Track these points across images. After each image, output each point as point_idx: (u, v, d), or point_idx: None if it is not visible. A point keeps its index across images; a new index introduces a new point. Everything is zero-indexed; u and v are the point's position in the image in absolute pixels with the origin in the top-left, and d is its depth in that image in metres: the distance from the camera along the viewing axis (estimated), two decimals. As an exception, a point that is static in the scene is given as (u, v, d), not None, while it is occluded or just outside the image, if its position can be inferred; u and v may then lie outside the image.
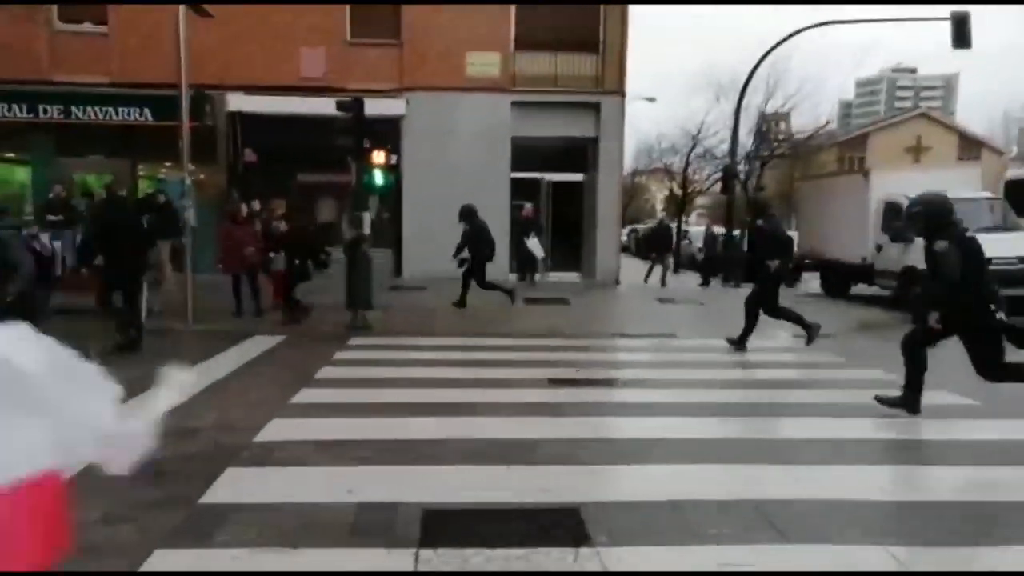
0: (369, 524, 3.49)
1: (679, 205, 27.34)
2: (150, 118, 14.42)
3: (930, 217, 5.32)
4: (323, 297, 10.69)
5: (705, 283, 17.16)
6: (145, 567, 3.06)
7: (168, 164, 15.15)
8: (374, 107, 14.69)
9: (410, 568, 3.05)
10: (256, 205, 11.81)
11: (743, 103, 18.26)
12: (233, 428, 5.06)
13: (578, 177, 16.18)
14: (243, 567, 3.07)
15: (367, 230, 10.26)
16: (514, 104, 15.11)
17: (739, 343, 8.46)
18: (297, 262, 9.92)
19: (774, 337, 9.22)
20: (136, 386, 1.80)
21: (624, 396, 6.64)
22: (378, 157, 9.59)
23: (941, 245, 5.07)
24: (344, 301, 10.88)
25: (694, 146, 24.81)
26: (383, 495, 3.81)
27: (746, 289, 10.96)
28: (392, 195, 15.21)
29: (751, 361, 8.29)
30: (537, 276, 15.52)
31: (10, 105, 14.24)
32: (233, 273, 10.48)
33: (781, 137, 27.81)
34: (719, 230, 19.97)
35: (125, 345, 7.61)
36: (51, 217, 14.39)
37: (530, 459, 4.46)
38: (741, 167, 22.21)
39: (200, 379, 6.50)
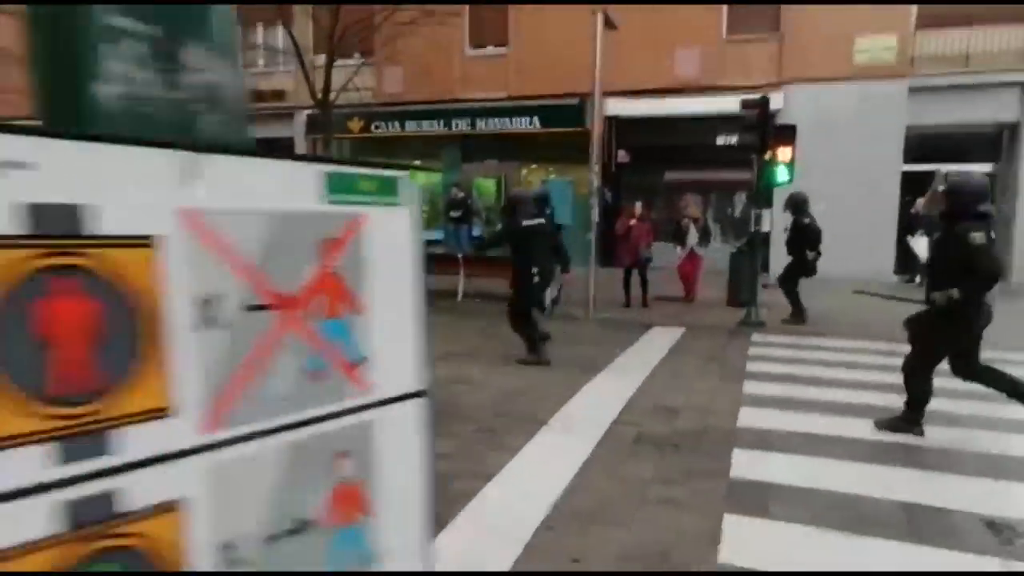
0: (922, 524, 3.42)
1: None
2: (538, 126, 16.05)
3: None
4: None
5: None
6: (724, 529, 3.37)
7: (550, 167, 16.81)
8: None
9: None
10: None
11: None
12: (709, 411, 5.37)
13: (986, 168, 14.04)
14: (812, 544, 3.22)
15: (765, 227, 10.11)
16: (912, 90, 13.65)
17: None
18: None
19: None
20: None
21: None
22: (784, 154, 9.40)
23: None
24: (725, 297, 11.09)
25: None
26: (918, 497, 3.72)
27: None
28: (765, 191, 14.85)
29: None
30: (918, 278, 13.84)
31: (431, 121, 17.00)
32: (627, 267, 11.20)
33: None
34: None
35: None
36: (452, 214, 16.90)
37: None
38: None
39: (641, 363, 7.13)
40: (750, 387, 6.19)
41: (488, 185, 17.54)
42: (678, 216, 11.85)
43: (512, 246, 7.14)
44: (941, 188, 4.90)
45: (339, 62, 17.86)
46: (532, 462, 4.34)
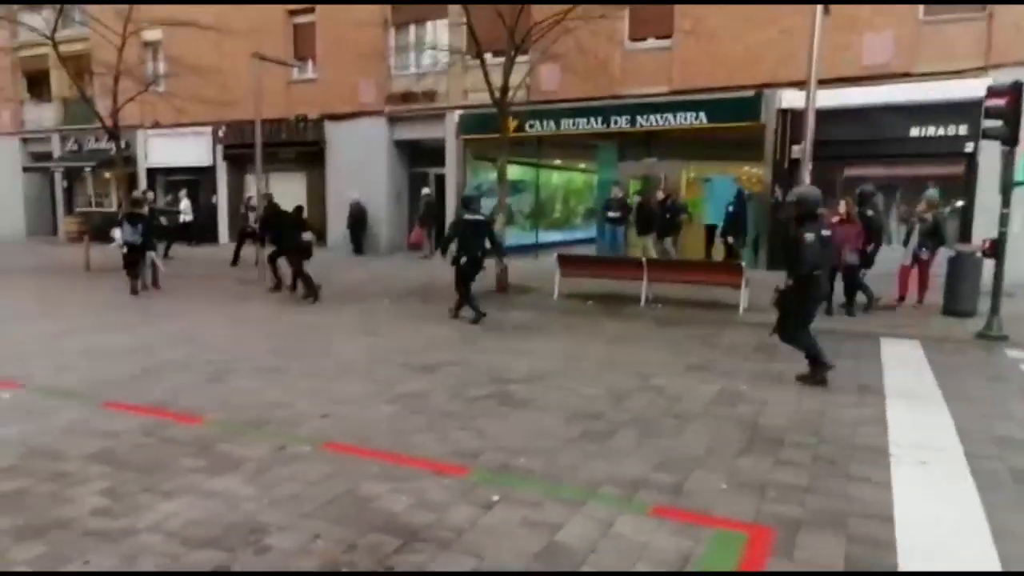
0: None
1: None
2: (705, 121, 15.32)
3: None
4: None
5: None
6: None
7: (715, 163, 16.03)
8: (944, 90, 13.34)
9: None
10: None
11: None
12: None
13: None
14: None
15: (1016, 227, 9.08)
16: None
17: None
18: None
19: None
20: None
21: None
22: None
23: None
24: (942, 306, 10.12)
25: None
26: None
27: None
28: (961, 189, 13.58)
29: None
30: None
31: (588, 119, 16.58)
32: (833, 269, 10.36)
33: None
34: None
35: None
36: (610, 214, 16.42)
37: None
38: None
39: (918, 383, 6.44)
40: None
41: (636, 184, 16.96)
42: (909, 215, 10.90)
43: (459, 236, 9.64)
44: (790, 198, 6.56)
45: (492, 60, 17.87)
46: (921, 502, 3.81)
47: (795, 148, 15.00)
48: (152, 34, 21.02)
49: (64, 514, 3.71)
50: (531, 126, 17.22)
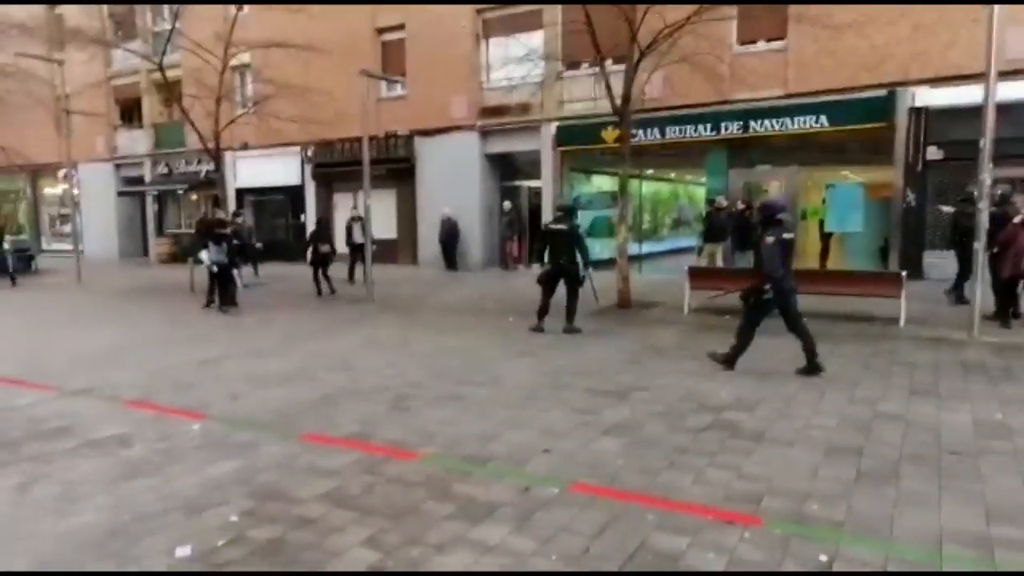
0: None
1: None
2: (826, 124, 14.51)
3: None
4: None
5: None
6: None
7: (839, 169, 15.19)
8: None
9: None
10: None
11: None
12: None
13: None
14: None
15: None
16: None
17: None
18: None
19: None
20: None
21: None
22: None
23: None
24: None
25: None
26: None
27: None
28: None
29: None
30: None
31: (696, 126, 15.95)
32: (1011, 277, 9.51)
33: None
34: None
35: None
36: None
37: None
38: None
39: None
40: None
41: (754, 192, 16.15)
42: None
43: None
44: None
45: (586, 70, 17.43)
46: None
47: (931, 149, 14.12)
48: (241, 57, 21.30)
49: (343, 569, 3.31)
50: (634, 135, 16.64)
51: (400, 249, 20.99)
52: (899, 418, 5.48)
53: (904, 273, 10.09)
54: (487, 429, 5.41)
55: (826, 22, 13.23)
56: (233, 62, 20.93)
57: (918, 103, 13.89)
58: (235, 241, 15.45)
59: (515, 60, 18.58)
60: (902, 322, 9.80)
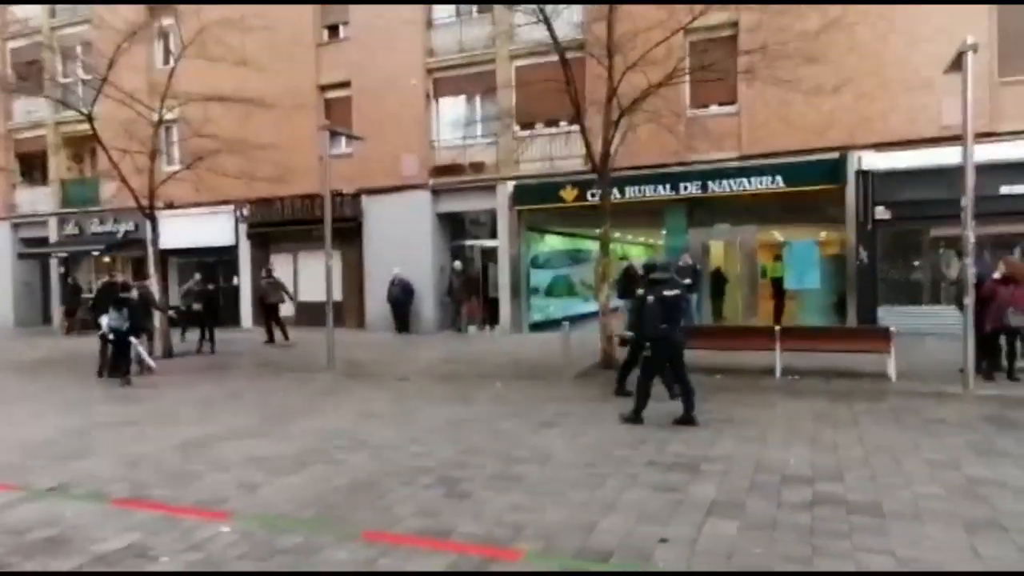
0: None
1: None
2: (781, 184, 15.02)
3: None
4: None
5: None
6: None
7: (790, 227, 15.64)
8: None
9: None
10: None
11: None
12: None
13: None
14: None
15: None
16: None
17: None
18: None
19: None
20: None
21: None
22: None
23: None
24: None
25: None
26: None
27: None
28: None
29: None
30: None
31: (655, 186, 16.14)
32: (993, 330, 9.85)
33: None
34: None
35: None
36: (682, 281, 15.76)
37: None
38: None
39: None
40: None
41: (715, 249, 16.45)
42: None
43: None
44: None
45: (541, 129, 17.45)
46: None
47: (879, 209, 14.81)
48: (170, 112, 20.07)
49: None
50: (593, 195, 16.68)
51: (346, 312, 19.94)
52: (996, 483, 5.28)
53: (892, 328, 10.26)
54: (574, 516, 4.79)
55: (776, 81, 13.81)
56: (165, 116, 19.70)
57: (864, 166, 14.61)
58: (159, 307, 14.51)
59: (468, 121, 18.52)
60: (893, 377, 9.92)
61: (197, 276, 16.92)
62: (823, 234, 16.05)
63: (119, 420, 8.61)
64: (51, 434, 7.89)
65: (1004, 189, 13.67)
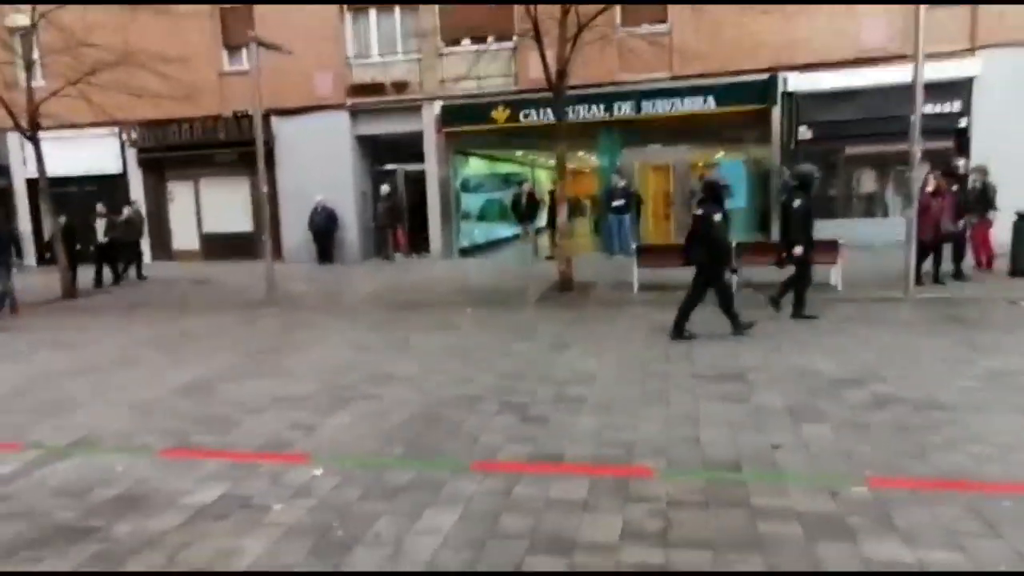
0: None
1: None
2: (713, 105, 15.37)
3: None
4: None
5: None
6: None
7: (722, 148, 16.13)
8: (939, 71, 14.38)
9: None
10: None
11: None
12: None
13: None
14: None
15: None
16: None
17: None
18: None
19: None
20: None
21: None
22: None
23: None
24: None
25: None
26: None
27: None
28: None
29: None
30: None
31: (589, 106, 16.03)
32: (927, 242, 10.76)
33: None
34: None
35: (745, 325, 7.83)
36: (614, 203, 16.07)
37: None
38: None
39: None
40: None
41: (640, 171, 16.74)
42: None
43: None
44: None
45: (468, 46, 16.68)
46: None
47: (802, 129, 15.56)
48: (23, 19, 17.28)
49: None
50: (526, 115, 16.36)
51: (258, 243, 18.66)
52: (1019, 372, 5.84)
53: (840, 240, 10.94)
54: (671, 432, 4.82)
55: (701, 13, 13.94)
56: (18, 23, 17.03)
57: (790, 88, 15.22)
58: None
59: (388, 36, 17.38)
60: (839, 286, 10.67)
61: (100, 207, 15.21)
62: (750, 155, 16.70)
63: (72, 368, 7.66)
64: (6, 387, 6.91)
65: (928, 108, 14.68)
